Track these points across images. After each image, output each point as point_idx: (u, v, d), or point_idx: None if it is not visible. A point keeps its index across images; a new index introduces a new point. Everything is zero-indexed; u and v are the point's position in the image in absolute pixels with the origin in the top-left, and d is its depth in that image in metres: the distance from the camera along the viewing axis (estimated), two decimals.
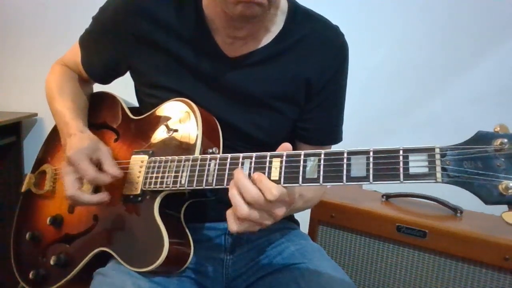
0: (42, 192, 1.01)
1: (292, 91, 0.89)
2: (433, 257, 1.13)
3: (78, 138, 0.86)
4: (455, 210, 1.20)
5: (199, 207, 0.87)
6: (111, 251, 0.83)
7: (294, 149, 0.98)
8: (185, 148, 0.81)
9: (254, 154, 0.70)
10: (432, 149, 0.57)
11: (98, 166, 0.84)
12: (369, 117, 1.60)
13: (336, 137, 0.97)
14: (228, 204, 0.90)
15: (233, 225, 0.68)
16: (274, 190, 0.64)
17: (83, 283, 0.86)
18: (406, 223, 1.16)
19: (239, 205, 0.66)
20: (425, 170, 0.56)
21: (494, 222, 1.12)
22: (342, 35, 0.92)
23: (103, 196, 0.83)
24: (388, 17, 1.62)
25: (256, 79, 0.88)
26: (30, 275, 0.94)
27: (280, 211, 0.67)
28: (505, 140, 0.53)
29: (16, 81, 1.97)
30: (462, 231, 1.09)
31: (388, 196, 1.31)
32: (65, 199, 0.87)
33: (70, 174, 0.83)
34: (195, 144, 0.79)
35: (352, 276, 1.26)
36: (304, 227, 1.31)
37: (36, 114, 1.94)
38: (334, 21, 0.93)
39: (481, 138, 0.55)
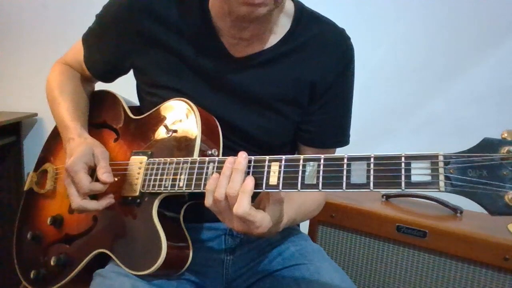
0: (43, 191, 1.01)
1: (296, 93, 0.89)
2: (433, 257, 1.13)
3: (75, 144, 0.86)
4: (455, 210, 1.20)
5: (199, 207, 0.86)
6: (110, 253, 0.83)
7: (297, 152, 0.98)
8: (184, 149, 0.80)
9: (253, 158, 0.69)
10: (436, 157, 0.54)
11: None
12: (369, 117, 1.59)
13: (340, 140, 0.96)
14: None
15: (208, 199, 0.69)
16: (240, 209, 0.64)
17: (83, 283, 0.86)
18: (406, 223, 1.16)
19: (219, 184, 0.67)
20: (428, 178, 0.54)
21: (494, 222, 1.12)
22: (348, 38, 0.92)
23: (108, 201, 0.83)
24: (388, 17, 1.62)
25: (260, 80, 0.87)
26: (31, 275, 0.94)
27: (239, 226, 0.68)
28: None
29: (16, 81, 1.97)
30: (462, 231, 1.09)
31: (388, 196, 1.31)
32: (66, 198, 0.87)
33: (71, 185, 0.83)
34: (194, 145, 0.79)
35: (352, 276, 1.26)
36: (304, 227, 1.31)
37: (36, 114, 1.94)
38: (334, 20, 0.92)
39: (487, 145, 0.53)
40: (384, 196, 1.32)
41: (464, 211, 1.20)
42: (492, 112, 1.48)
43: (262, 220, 0.67)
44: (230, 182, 0.66)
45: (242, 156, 0.68)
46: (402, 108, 1.62)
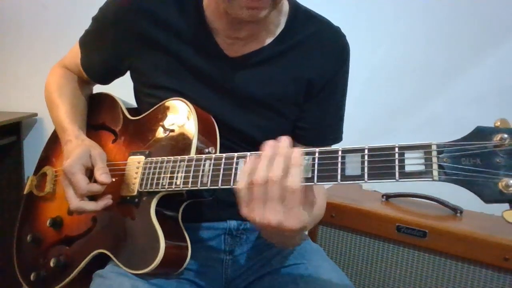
0: (42, 194, 1.01)
1: (292, 92, 0.89)
2: (433, 257, 1.13)
3: (73, 146, 0.87)
4: (455, 210, 1.20)
5: (198, 207, 0.87)
6: (109, 253, 0.83)
7: None
8: (181, 148, 0.80)
9: (248, 154, 0.68)
10: (429, 146, 0.55)
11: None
12: (369, 117, 1.60)
13: (334, 137, 0.96)
14: (227, 204, 0.91)
15: (242, 181, 0.62)
16: (295, 183, 0.59)
17: (83, 284, 0.86)
18: (406, 223, 1.16)
19: (260, 166, 0.61)
20: (421, 168, 0.54)
21: (494, 222, 1.12)
22: (343, 36, 0.92)
23: (107, 201, 0.83)
24: (388, 17, 1.61)
25: (257, 80, 0.87)
26: (32, 277, 0.94)
27: (273, 217, 0.59)
28: (505, 136, 0.51)
29: (16, 81, 1.97)
30: (462, 231, 1.09)
31: (388, 196, 1.31)
32: (65, 200, 0.87)
33: (69, 187, 0.83)
34: (190, 144, 0.79)
35: (352, 276, 1.26)
36: None
37: (36, 114, 1.94)
38: (334, 21, 0.92)
39: (480, 133, 0.53)
40: (384, 196, 1.31)
41: (464, 211, 1.20)
42: (492, 112, 1.47)
43: (303, 212, 0.61)
44: (274, 166, 0.60)
45: (286, 141, 0.63)
46: (402, 108, 1.62)
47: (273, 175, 0.60)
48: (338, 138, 0.97)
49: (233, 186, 0.67)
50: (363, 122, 1.55)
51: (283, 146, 0.63)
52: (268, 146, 0.64)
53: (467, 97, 1.54)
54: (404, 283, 1.18)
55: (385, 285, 1.21)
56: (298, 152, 0.62)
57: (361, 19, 1.62)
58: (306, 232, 1.30)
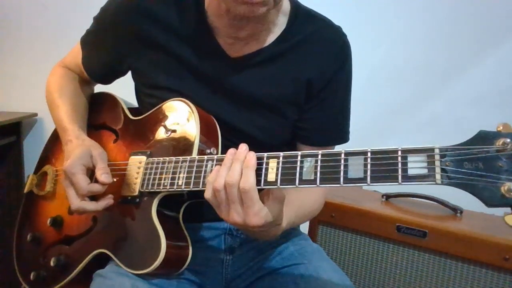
0: (43, 193, 1.01)
1: (293, 92, 0.89)
2: (433, 257, 1.13)
3: (73, 146, 0.87)
4: (455, 210, 1.20)
5: (199, 207, 0.86)
6: (109, 253, 0.83)
7: (294, 150, 0.98)
8: (183, 148, 0.80)
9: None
10: (432, 150, 0.55)
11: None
12: (369, 117, 1.60)
13: (338, 137, 0.96)
14: None
15: (208, 191, 0.68)
16: (247, 183, 0.64)
17: (83, 284, 0.86)
18: (406, 223, 1.16)
19: (219, 174, 0.67)
20: (424, 171, 0.55)
21: (494, 222, 1.12)
22: (344, 35, 0.92)
23: (108, 201, 0.83)
24: (389, 16, 1.62)
25: (257, 80, 0.87)
26: (31, 276, 0.94)
27: (235, 216, 0.66)
28: (508, 140, 0.51)
29: (16, 81, 1.97)
30: (462, 231, 1.09)
31: (388, 196, 1.31)
32: (65, 200, 0.88)
33: (70, 187, 0.83)
34: (192, 145, 0.79)
35: (352, 276, 1.26)
36: (304, 227, 1.31)
37: (36, 114, 1.94)
38: (334, 20, 0.92)
39: (483, 137, 0.53)
40: (384, 196, 1.32)
41: (464, 211, 1.20)
42: (492, 113, 1.48)
43: (261, 208, 0.66)
44: (230, 171, 0.66)
45: (243, 147, 0.68)
46: (402, 109, 1.62)
47: (229, 179, 0.65)
48: (342, 139, 0.96)
49: None
50: (363, 122, 1.55)
51: (240, 152, 0.68)
52: (228, 153, 0.69)
53: (467, 97, 1.54)
54: (404, 283, 1.18)
55: (385, 285, 1.21)
56: (251, 154, 0.67)
57: (361, 19, 1.62)
58: (306, 232, 1.30)
